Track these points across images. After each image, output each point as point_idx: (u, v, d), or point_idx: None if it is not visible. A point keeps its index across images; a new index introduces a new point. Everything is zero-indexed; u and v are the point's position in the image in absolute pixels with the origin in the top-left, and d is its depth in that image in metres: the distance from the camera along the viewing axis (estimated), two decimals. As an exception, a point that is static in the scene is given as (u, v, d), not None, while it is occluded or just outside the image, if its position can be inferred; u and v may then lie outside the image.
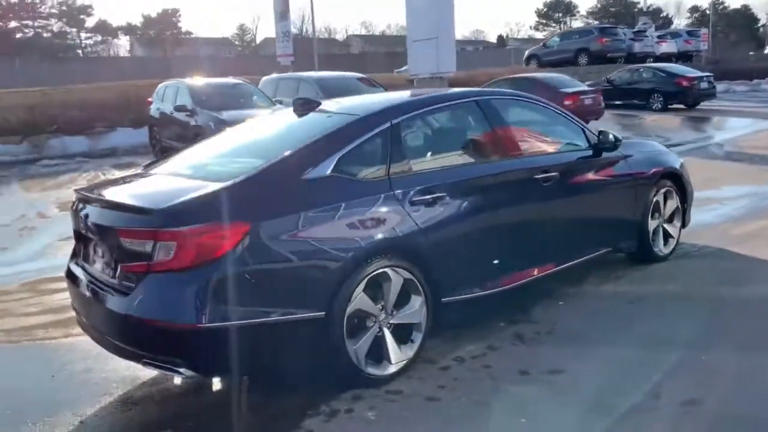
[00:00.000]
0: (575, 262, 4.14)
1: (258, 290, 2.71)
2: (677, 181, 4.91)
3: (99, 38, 50.38)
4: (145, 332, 2.64)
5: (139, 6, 79.51)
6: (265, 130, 3.86)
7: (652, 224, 4.71)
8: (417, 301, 3.20)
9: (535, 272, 3.86)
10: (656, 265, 4.75)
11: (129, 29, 51.25)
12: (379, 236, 3.04)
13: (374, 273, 3.00)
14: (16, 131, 13.58)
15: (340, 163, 3.06)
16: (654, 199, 4.68)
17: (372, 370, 3.04)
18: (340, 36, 62.73)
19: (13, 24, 47.75)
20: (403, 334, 3.20)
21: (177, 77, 13.08)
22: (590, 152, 4.25)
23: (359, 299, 2.96)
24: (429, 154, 3.58)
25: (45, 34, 48.23)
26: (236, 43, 58.54)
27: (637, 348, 3.44)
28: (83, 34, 49.66)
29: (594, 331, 3.68)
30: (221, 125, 7.91)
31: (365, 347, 3.02)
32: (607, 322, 3.82)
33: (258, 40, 58.62)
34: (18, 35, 47.23)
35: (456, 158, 3.67)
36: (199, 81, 11.78)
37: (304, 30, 40.07)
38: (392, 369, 3.11)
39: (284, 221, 2.80)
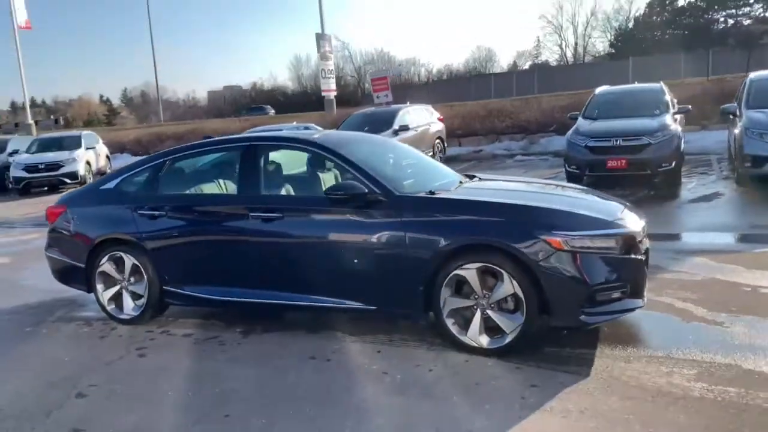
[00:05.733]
0: (330, 306, 4.25)
1: (62, 242, 5.18)
2: (519, 263, 3.66)
3: (804, 19, 45.71)
4: None
5: None
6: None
7: (452, 302, 3.87)
8: (143, 280, 4.83)
9: (283, 299, 4.36)
10: (450, 354, 3.86)
11: None
12: (114, 229, 4.86)
13: (112, 252, 4.89)
14: (526, 130, 16.61)
15: (121, 181, 5.01)
16: (453, 273, 3.82)
17: (112, 311, 4.97)
18: None
19: (715, 16, 49.17)
20: (138, 299, 4.90)
21: None
22: (326, 200, 4.13)
23: (105, 266, 4.93)
24: (174, 183, 4.81)
25: (745, 21, 47.55)
26: None
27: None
28: (786, 17, 46.18)
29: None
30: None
31: (108, 296, 4.96)
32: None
33: None
34: (716, 26, 48.44)
35: (186, 188, 4.72)
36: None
37: None
38: (125, 316, 4.92)
39: (80, 209, 5.11)
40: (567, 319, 3.68)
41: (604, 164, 9.60)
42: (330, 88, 22.65)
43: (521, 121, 16.82)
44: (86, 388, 3.75)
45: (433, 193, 4.13)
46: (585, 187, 5.01)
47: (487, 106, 19.19)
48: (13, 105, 76.07)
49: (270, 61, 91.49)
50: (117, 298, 4.96)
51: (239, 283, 4.51)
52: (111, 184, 5.08)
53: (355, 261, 4.09)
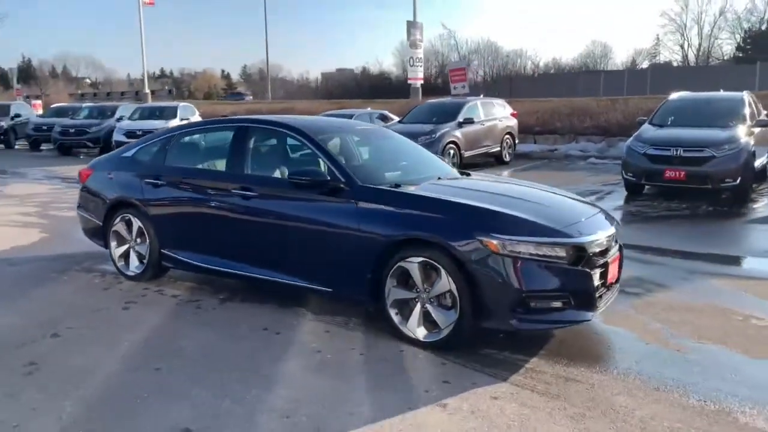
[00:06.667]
0: (292, 283, 4.48)
1: (88, 201, 5.74)
2: (456, 260, 3.70)
3: None
4: None
5: None
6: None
7: (396, 293, 3.96)
8: (146, 242, 5.29)
9: (253, 273, 4.63)
10: (391, 343, 3.99)
11: None
12: (126, 194, 5.33)
13: (123, 214, 5.38)
14: (606, 132, 15.93)
15: (138, 151, 5.48)
16: (398, 265, 3.91)
17: (121, 267, 5.47)
18: None
19: None
20: (142, 258, 5.37)
21: None
22: (289, 183, 4.34)
23: (117, 227, 5.43)
24: (178, 156, 5.17)
25: None
26: None
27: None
28: None
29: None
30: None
31: (118, 253, 5.47)
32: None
33: None
34: None
35: (186, 162, 5.07)
36: None
37: None
38: (130, 273, 5.41)
39: (104, 172, 5.63)
40: (497, 321, 3.69)
41: (662, 174, 9.19)
42: (417, 77, 22.76)
43: (602, 122, 16.14)
44: (63, 330, 4.22)
45: (397, 186, 4.23)
46: (565, 192, 4.89)
47: (571, 104, 18.53)
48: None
49: (378, 46, 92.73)
50: (126, 256, 5.45)
51: (220, 253, 4.84)
52: (130, 153, 5.57)
53: (315, 244, 4.29)
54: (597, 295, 3.83)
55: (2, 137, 23.11)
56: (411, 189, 4.21)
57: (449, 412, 3.08)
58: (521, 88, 43.31)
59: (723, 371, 3.59)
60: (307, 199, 4.31)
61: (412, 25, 22.55)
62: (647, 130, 9.96)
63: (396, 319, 3.99)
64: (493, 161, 14.81)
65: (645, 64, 56.23)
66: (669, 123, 10.14)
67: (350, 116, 15.45)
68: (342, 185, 4.19)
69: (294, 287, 4.49)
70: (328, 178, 4.21)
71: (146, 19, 32.72)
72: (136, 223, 5.29)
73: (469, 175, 5.20)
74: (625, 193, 10.15)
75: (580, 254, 3.74)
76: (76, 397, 3.24)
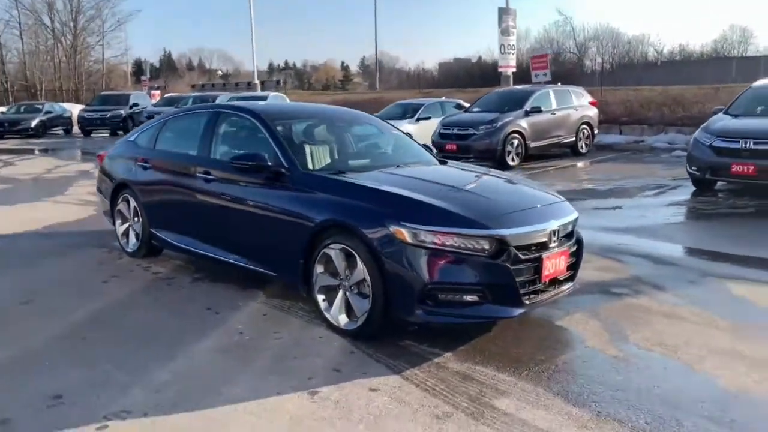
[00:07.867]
0: (246, 266, 4.58)
1: (102, 183, 6.16)
2: (369, 248, 3.62)
3: None
4: None
5: None
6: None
7: (323, 279, 3.95)
8: (140, 221, 5.63)
9: (216, 254, 4.79)
10: (316, 329, 3.99)
11: None
12: (124, 176, 5.70)
13: (123, 195, 5.76)
14: (699, 122, 14.55)
15: (138, 135, 5.84)
16: (323, 251, 3.90)
17: (123, 244, 5.85)
18: None
19: None
20: (138, 237, 5.72)
21: None
22: (234, 166, 4.43)
23: (120, 206, 5.82)
24: (164, 140, 5.40)
25: None
26: None
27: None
28: None
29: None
30: None
31: (120, 231, 5.86)
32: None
33: None
34: None
35: (168, 146, 5.30)
36: None
37: None
38: (129, 250, 5.78)
39: (112, 156, 6.05)
40: (404, 312, 3.55)
41: (728, 169, 8.32)
42: (508, 64, 22.01)
43: (695, 112, 14.78)
44: (37, 299, 4.60)
45: (340, 174, 4.19)
46: (528, 182, 4.59)
47: (667, 93, 17.13)
48: (270, 66, 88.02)
49: (494, 34, 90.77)
50: (127, 234, 5.84)
51: (190, 234, 5.04)
52: (132, 137, 5.95)
53: (260, 228, 4.35)
54: (525, 290, 3.58)
55: (122, 124, 25.47)
56: (350, 177, 4.14)
57: (313, 400, 3.03)
58: (639, 76, 40.65)
59: (646, 382, 3.23)
60: (254, 184, 4.38)
61: (504, 11, 21.84)
62: (718, 119, 9.06)
63: (322, 305, 3.96)
64: (568, 152, 14.13)
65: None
66: (757, 112, 9.12)
67: (420, 105, 15.38)
68: (283, 170, 4.22)
69: (248, 270, 4.59)
70: (270, 163, 4.24)
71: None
72: (133, 203, 5.64)
73: (445, 163, 5.04)
74: (693, 188, 9.31)
75: (502, 247, 3.51)
76: (-2, 358, 3.54)
